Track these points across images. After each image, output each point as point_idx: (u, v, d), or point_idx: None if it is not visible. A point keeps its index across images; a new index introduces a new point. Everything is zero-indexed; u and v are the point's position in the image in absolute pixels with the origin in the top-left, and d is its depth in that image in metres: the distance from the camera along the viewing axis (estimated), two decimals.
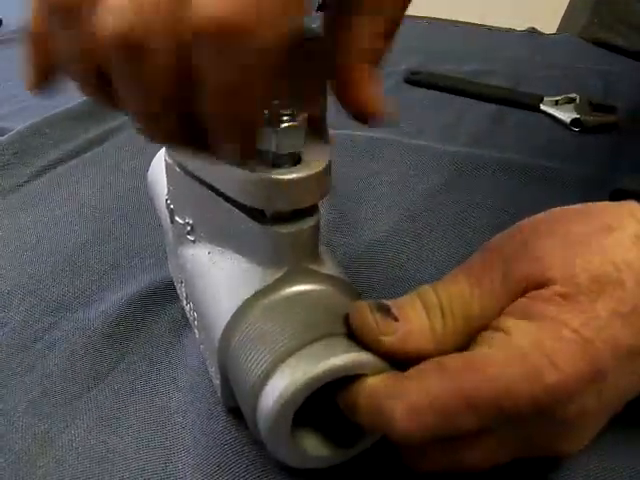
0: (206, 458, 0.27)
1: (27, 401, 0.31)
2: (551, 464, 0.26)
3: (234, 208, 0.26)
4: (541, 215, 0.25)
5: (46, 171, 0.50)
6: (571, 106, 0.52)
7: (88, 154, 0.53)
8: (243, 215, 0.26)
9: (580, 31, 0.69)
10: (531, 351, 0.21)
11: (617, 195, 0.26)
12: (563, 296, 0.22)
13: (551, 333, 0.22)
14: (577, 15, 0.72)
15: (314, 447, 0.25)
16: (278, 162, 0.24)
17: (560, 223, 0.25)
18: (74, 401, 0.31)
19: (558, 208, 0.26)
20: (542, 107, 0.53)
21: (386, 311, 0.24)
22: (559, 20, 0.74)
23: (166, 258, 0.39)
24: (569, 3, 0.74)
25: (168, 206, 0.31)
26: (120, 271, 0.39)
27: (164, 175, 0.35)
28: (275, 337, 0.24)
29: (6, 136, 0.53)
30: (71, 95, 0.60)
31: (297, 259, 0.26)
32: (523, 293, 0.23)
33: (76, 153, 0.52)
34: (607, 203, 0.25)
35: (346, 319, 0.24)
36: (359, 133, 0.51)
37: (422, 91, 0.58)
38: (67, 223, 0.44)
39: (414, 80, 0.59)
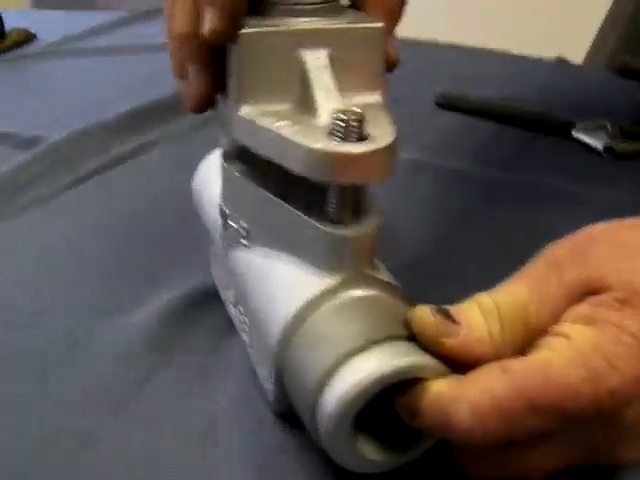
0: (254, 462, 0.28)
1: (70, 401, 0.31)
2: (607, 475, 0.26)
3: (297, 211, 0.27)
4: (594, 227, 0.26)
5: (81, 181, 0.51)
6: (602, 133, 0.52)
7: (123, 166, 0.53)
8: (306, 218, 0.26)
9: (609, 58, 0.71)
10: (592, 355, 0.22)
11: None
12: (622, 302, 0.23)
13: (611, 337, 0.22)
14: (606, 42, 0.73)
15: (371, 451, 0.25)
16: (345, 137, 0.24)
17: (613, 233, 0.25)
18: (118, 404, 0.31)
19: (610, 221, 0.26)
20: (574, 133, 0.54)
21: (446, 315, 0.24)
22: (587, 47, 0.75)
23: (206, 266, 0.39)
24: (598, 30, 0.75)
25: (222, 211, 0.32)
26: (158, 279, 0.39)
27: (213, 181, 0.36)
28: (338, 337, 0.24)
29: (42, 146, 0.54)
30: (105, 107, 0.62)
31: (357, 264, 0.26)
32: (580, 299, 0.24)
33: (111, 165, 0.53)
34: None
35: (406, 323, 0.25)
36: None
37: (452, 114, 0.59)
38: (102, 233, 0.44)
39: (445, 103, 0.60)
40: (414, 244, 0.42)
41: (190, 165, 0.53)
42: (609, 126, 0.53)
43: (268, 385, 0.28)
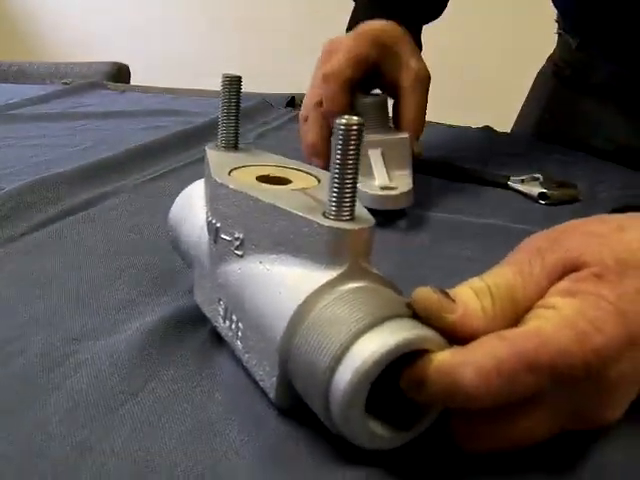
0: (259, 457, 0.28)
1: (60, 413, 0.30)
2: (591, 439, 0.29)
3: (297, 212, 0.29)
4: (564, 224, 0.30)
5: (46, 225, 0.51)
6: (537, 183, 0.58)
7: (84, 213, 0.54)
8: (306, 216, 0.28)
9: (534, 127, 0.79)
10: (578, 319, 0.25)
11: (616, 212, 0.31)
12: (597, 275, 0.26)
13: (592, 304, 0.25)
14: (531, 113, 0.82)
15: (380, 428, 0.26)
16: None
17: (582, 225, 0.29)
18: (109, 413, 0.31)
19: (577, 219, 0.30)
20: (510, 184, 0.60)
21: (445, 294, 0.26)
22: (510, 119, 0.84)
23: (182, 293, 0.40)
24: (524, 103, 0.85)
25: (212, 226, 0.33)
26: (137, 306, 0.40)
27: (194, 207, 0.38)
28: (346, 319, 0.26)
29: (2, 191, 0.54)
30: (55, 165, 0.62)
31: (356, 257, 0.28)
32: (560, 277, 0.27)
33: (73, 211, 0.54)
34: (617, 214, 0.30)
35: (407, 305, 0.27)
36: None
37: None
38: (75, 267, 0.45)
39: None
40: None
41: (150, 212, 0.55)
42: (542, 178, 0.58)
43: (270, 381, 0.29)
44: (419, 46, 0.65)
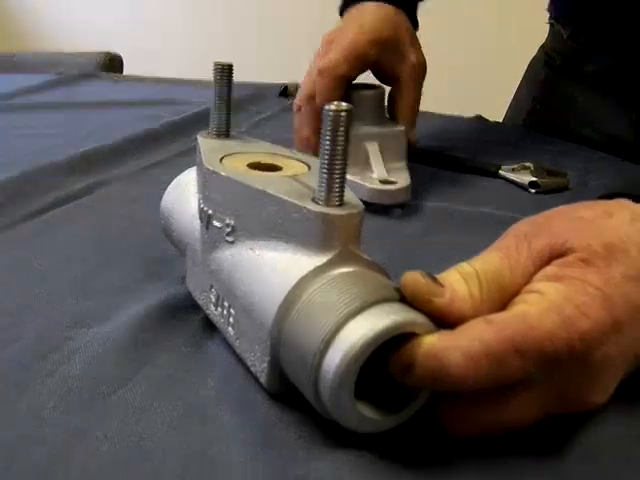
0: (250, 441, 0.28)
1: (54, 400, 0.31)
2: (578, 422, 0.29)
3: (286, 198, 0.29)
4: (551, 210, 0.30)
5: (41, 213, 0.51)
6: (527, 171, 0.59)
7: (79, 201, 0.54)
8: (297, 202, 0.29)
9: (525, 116, 0.80)
10: (564, 304, 0.25)
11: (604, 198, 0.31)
12: (584, 261, 0.26)
13: (578, 290, 0.26)
14: (522, 103, 0.82)
15: (370, 411, 0.26)
16: None
17: (569, 211, 0.30)
18: (102, 399, 0.31)
19: (565, 206, 0.30)
20: (501, 173, 0.60)
21: (433, 278, 0.27)
22: (502, 108, 0.85)
23: (173, 282, 0.40)
24: (515, 92, 0.85)
25: (204, 213, 0.34)
26: (130, 294, 0.40)
27: (187, 194, 0.38)
28: (336, 304, 0.26)
29: None
30: (53, 153, 0.63)
31: (346, 242, 0.29)
32: (547, 262, 0.27)
33: (67, 200, 0.54)
34: (603, 200, 0.30)
35: (396, 289, 0.27)
36: None
37: None
38: (68, 256, 0.45)
39: None
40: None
41: (143, 200, 0.55)
42: (532, 166, 0.59)
43: (261, 366, 0.30)
44: (415, 24, 0.63)
